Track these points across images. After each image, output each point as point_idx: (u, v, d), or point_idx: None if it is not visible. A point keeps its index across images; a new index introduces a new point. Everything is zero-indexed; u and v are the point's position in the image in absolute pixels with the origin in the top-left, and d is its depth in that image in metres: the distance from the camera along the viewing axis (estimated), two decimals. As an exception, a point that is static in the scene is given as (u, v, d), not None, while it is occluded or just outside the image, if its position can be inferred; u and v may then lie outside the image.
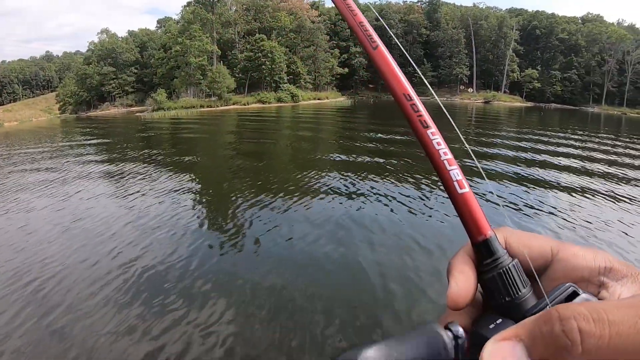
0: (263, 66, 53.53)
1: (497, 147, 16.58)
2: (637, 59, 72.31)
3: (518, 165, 13.03)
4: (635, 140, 23.37)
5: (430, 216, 7.81)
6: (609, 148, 18.70)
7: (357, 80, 66.97)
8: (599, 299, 0.35)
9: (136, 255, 6.06)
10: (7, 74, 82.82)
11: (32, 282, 5.40)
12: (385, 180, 10.60)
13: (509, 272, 0.37)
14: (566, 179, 11.44)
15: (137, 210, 8.25)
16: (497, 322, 0.36)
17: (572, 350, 0.26)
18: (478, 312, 0.41)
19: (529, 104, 68.09)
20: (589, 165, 13.50)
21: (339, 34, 66.42)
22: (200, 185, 10.67)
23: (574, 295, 0.35)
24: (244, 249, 6.34)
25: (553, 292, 0.36)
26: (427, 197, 9.08)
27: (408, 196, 9.11)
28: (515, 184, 10.42)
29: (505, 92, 71.35)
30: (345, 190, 9.54)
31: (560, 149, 17.41)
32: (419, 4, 74.41)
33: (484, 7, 75.59)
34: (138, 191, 9.87)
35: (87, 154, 17.06)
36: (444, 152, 0.41)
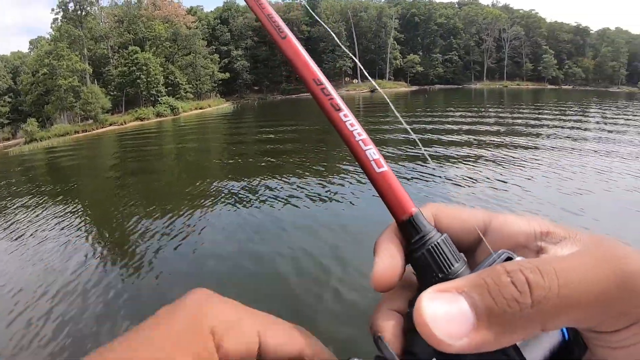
0: (138, 80, 50.80)
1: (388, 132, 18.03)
2: (512, 36, 76.60)
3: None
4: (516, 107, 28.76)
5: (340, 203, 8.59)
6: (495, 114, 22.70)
7: (241, 84, 65.44)
8: None
9: (45, 308, 5.55)
10: None
11: None
12: (283, 180, 10.85)
13: (439, 247, 0.33)
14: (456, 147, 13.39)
15: (31, 258, 7.51)
16: None
17: (521, 301, 0.24)
18: (414, 294, 0.36)
19: (414, 88, 70.21)
20: (473, 134, 15.45)
21: (218, 38, 64.44)
22: (91, 224, 9.66)
23: (509, 260, 0.31)
24: (149, 280, 6.05)
25: (485, 261, 0.32)
26: (331, 190, 9.64)
27: (311, 192, 9.56)
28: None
29: (390, 79, 72.52)
30: (245, 199, 9.52)
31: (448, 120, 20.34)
32: (298, 1, 73.13)
33: (363, 0, 75.32)
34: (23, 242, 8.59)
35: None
36: (358, 132, 0.38)
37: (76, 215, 10.01)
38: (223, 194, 10.25)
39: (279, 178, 10.96)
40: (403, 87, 70.03)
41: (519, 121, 20.54)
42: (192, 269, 6.28)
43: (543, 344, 0.28)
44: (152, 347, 0.27)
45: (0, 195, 14.16)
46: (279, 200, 9.08)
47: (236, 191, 10.37)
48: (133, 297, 5.61)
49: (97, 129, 46.55)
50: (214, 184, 11.60)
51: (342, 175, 10.80)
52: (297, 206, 8.59)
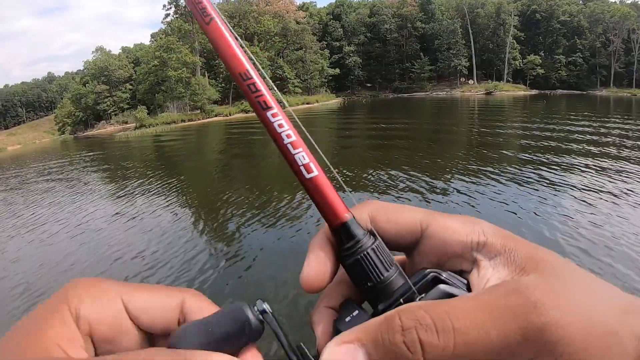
0: (245, 73, 46.81)
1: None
2: (643, 37, 63.31)
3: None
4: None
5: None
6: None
7: (352, 80, 60.06)
8: (467, 282, 0.31)
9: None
10: (10, 97, 77.88)
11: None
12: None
13: (369, 257, 0.32)
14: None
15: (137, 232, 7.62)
16: (353, 314, 0.31)
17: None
18: (349, 291, 0.35)
19: (534, 92, 60.26)
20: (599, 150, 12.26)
21: (331, 34, 59.68)
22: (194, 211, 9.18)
23: (435, 281, 0.31)
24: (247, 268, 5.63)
25: (414, 278, 0.31)
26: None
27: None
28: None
29: (508, 81, 63.23)
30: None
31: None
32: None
33: (480, -5, 66.54)
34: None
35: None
36: (287, 134, 0.33)
37: (178, 202, 9.96)
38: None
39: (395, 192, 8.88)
40: (521, 91, 60.45)
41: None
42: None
43: None
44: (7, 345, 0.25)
45: (113, 176, 15.14)
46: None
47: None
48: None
49: (202, 118, 44.41)
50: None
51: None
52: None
